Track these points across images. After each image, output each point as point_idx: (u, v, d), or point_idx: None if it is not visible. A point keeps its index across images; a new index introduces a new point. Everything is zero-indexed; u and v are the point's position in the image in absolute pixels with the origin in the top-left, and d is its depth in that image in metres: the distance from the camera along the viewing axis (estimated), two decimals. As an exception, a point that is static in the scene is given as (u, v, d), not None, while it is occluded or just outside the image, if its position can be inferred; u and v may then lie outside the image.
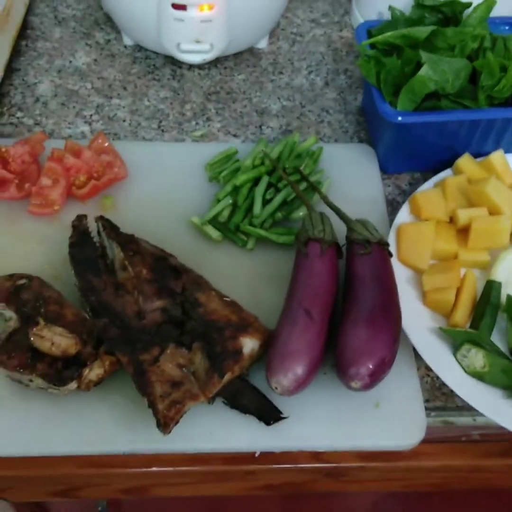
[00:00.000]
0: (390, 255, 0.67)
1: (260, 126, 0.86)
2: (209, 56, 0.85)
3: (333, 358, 0.61)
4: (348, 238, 0.68)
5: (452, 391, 0.62)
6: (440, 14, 0.79)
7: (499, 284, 0.67)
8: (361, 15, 0.94)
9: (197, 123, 0.86)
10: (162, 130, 0.84)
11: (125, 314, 0.63)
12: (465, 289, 0.67)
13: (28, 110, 0.85)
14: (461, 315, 0.66)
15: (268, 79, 0.91)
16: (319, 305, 0.62)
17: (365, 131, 0.86)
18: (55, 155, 0.75)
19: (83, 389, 0.59)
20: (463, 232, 0.71)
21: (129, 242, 0.68)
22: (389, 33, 0.75)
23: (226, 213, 0.74)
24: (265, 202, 0.74)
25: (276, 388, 0.58)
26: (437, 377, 0.64)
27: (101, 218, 0.70)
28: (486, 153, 0.76)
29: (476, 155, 0.77)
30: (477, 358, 0.63)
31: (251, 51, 0.94)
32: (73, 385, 0.59)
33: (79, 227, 0.69)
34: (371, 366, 0.58)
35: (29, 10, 0.95)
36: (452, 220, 0.73)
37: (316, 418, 0.61)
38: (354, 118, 0.87)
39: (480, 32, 0.74)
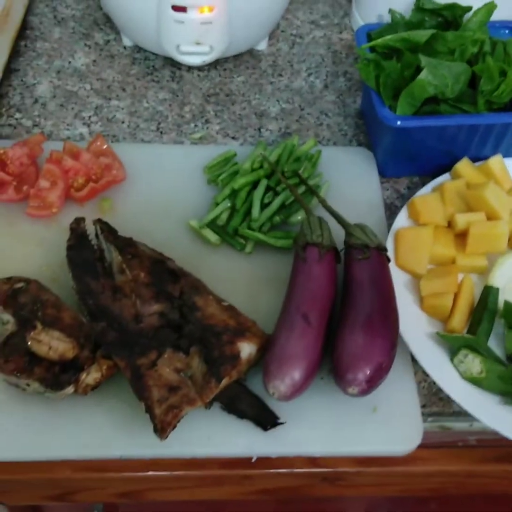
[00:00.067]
0: (388, 260, 0.67)
1: (259, 129, 0.86)
2: (208, 58, 0.85)
3: (330, 363, 0.61)
4: (346, 242, 0.68)
5: (448, 396, 0.62)
6: (440, 18, 0.79)
7: (497, 289, 0.67)
8: (361, 17, 0.94)
9: (196, 125, 0.85)
10: (161, 132, 0.84)
11: (123, 317, 0.63)
12: (463, 295, 0.67)
13: (26, 111, 0.85)
14: (459, 321, 0.66)
15: (268, 81, 0.91)
16: (317, 310, 0.62)
17: (364, 134, 0.86)
18: (53, 157, 0.75)
19: (80, 393, 0.59)
20: (461, 237, 0.71)
21: (127, 245, 0.67)
22: (388, 37, 0.75)
23: (224, 216, 0.74)
24: (264, 206, 0.74)
25: (273, 393, 0.58)
26: (434, 382, 0.64)
27: (99, 221, 0.70)
28: (485, 158, 0.76)
29: (474, 159, 0.77)
30: (474, 363, 0.63)
31: (251, 52, 0.93)
32: (70, 389, 0.59)
33: (77, 230, 0.69)
34: (368, 372, 0.58)
35: (28, 10, 0.95)
36: (450, 224, 0.73)
37: (313, 423, 0.61)
38: (353, 121, 0.87)
39: (480, 37, 0.73)
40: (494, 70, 0.71)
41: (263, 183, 0.74)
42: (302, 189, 0.75)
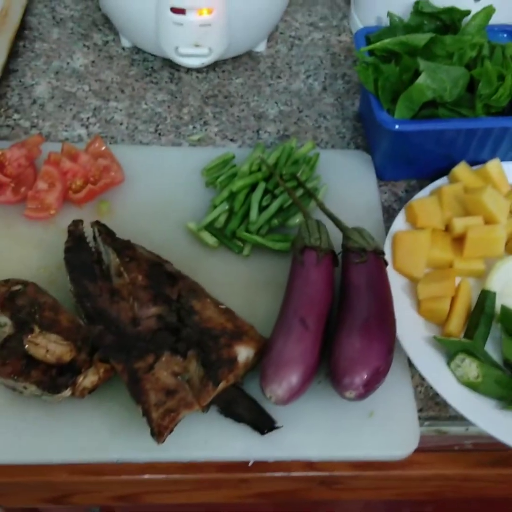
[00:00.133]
0: (386, 264, 0.67)
1: (258, 131, 0.86)
2: (207, 60, 0.85)
3: (327, 367, 0.61)
4: (344, 246, 0.68)
5: (445, 400, 0.62)
6: (438, 22, 0.79)
7: (494, 294, 0.67)
8: (359, 20, 0.94)
9: (194, 127, 0.85)
10: (159, 134, 0.84)
11: (120, 320, 0.63)
12: (460, 299, 0.68)
13: (25, 112, 0.85)
14: (456, 325, 0.66)
15: (266, 83, 0.91)
16: (315, 314, 0.62)
17: (362, 137, 0.86)
18: (51, 158, 0.75)
19: (77, 396, 0.59)
20: (459, 240, 0.71)
21: (125, 248, 0.67)
22: (387, 40, 0.75)
23: (222, 219, 0.74)
24: (262, 209, 0.74)
25: (270, 397, 0.58)
26: (431, 387, 0.64)
27: (97, 223, 0.69)
28: (483, 161, 0.76)
29: (472, 163, 0.77)
30: (471, 368, 0.63)
31: (250, 54, 0.93)
32: (67, 392, 0.59)
33: (75, 232, 0.69)
34: (365, 376, 0.58)
35: (26, 11, 0.95)
36: (447, 228, 0.73)
37: (310, 427, 0.61)
38: (351, 124, 0.87)
39: (479, 41, 0.73)
40: (492, 74, 0.71)
41: (261, 185, 0.74)
42: (300, 192, 0.75)
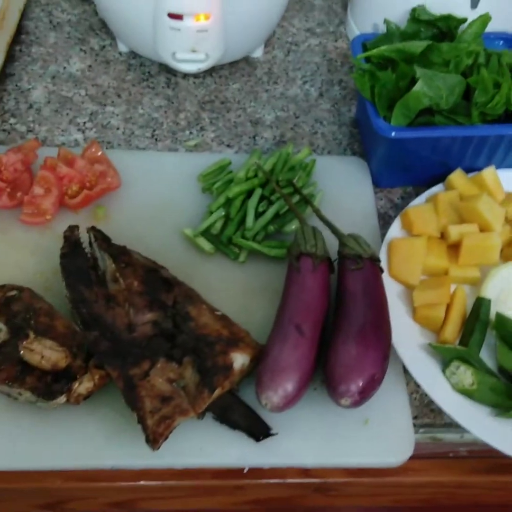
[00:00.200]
0: (382, 270, 0.67)
1: (254, 137, 0.86)
2: (204, 66, 0.85)
3: (323, 374, 0.61)
4: (340, 253, 0.68)
5: (440, 408, 0.62)
6: (435, 29, 0.79)
7: (489, 301, 0.67)
8: (356, 26, 0.94)
9: (191, 133, 0.85)
10: (156, 139, 0.84)
11: (116, 326, 0.63)
12: (455, 306, 0.68)
13: (21, 116, 0.85)
14: (451, 332, 0.67)
15: (263, 88, 0.91)
16: (310, 321, 0.62)
17: (359, 143, 0.86)
18: (48, 164, 0.74)
19: (72, 403, 0.59)
20: (454, 248, 0.71)
21: (121, 254, 0.67)
22: (384, 47, 0.75)
23: (218, 225, 0.74)
24: (258, 215, 0.74)
25: (266, 404, 0.58)
26: (426, 394, 0.64)
27: (93, 229, 0.69)
28: (479, 169, 0.77)
29: (468, 170, 0.77)
30: (466, 375, 0.63)
31: (247, 60, 0.94)
32: (62, 399, 0.59)
33: (71, 237, 0.69)
34: (361, 384, 0.58)
35: (23, 15, 0.95)
36: (443, 235, 0.73)
37: (305, 434, 0.61)
38: (348, 130, 0.87)
39: (475, 48, 0.74)
40: (488, 82, 0.71)
41: (258, 192, 0.74)
42: (296, 198, 0.75)
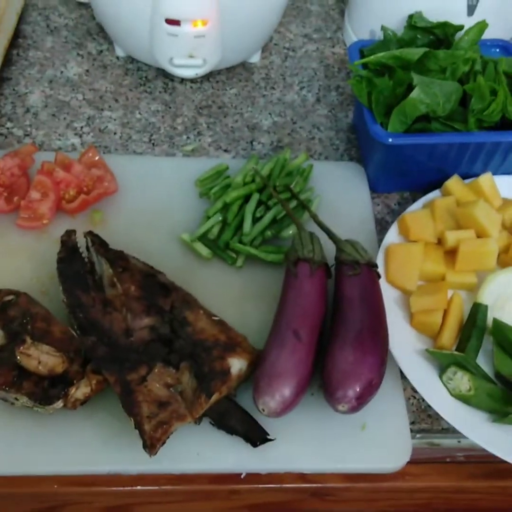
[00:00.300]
0: (379, 276, 0.67)
1: (251, 142, 0.86)
2: (201, 71, 0.85)
3: (320, 379, 0.61)
4: (337, 258, 0.68)
5: (437, 413, 0.62)
6: (432, 36, 0.80)
7: (486, 307, 0.68)
8: (353, 32, 0.95)
9: (188, 137, 0.85)
10: (153, 144, 0.84)
11: (113, 331, 0.63)
12: (452, 311, 0.68)
13: (18, 120, 0.84)
14: (448, 337, 0.67)
15: (260, 94, 0.91)
16: (308, 326, 0.62)
17: (356, 148, 0.86)
18: (45, 168, 0.74)
19: (69, 408, 0.59)
20: (451, 254, 0.72)
21: (118, 259, 0.67)
22: (381, 54, 0.75)
23: (216, 230, 0.74)
24: (255, 220, 0.74)
25: (263, 409, 0.58)
26: (423, 399, 0.64)
27: (90, 234, 0.69)
28: (475, 175, 0.77)
29: (465, 176, 0.77)
30: (463, 381, 0.63)
31: (244, 65, 0.94)
32: (59, 404, 0.58)
33: (68, 242, 0.69)
34: (358, 389, 0.58)
35: (21, 19, 0.95)
36: (440, 241, 0.73)
37: (302, 440, 0.61)
38: (345, 136, 0.88)
39: (472, 56, 0.74)
40: (485, 89, 0.72)
41: (255, 197, 0.75)
42: (293, 203, 0.76)
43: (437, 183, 0.78)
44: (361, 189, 0.81)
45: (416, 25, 0.79)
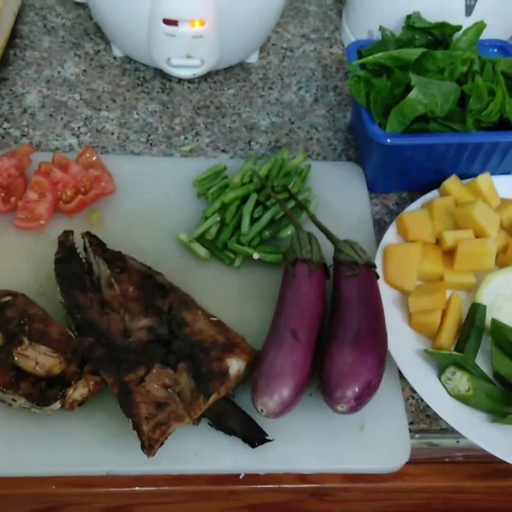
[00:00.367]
0: (377, 276, 0.67)
1: (249, 142, 0.86)
2: (199, 71, 0.85)
3: (319, 379, 0.61)
4: (335, 259, 0.68)
5: (436, 413, 0.62)
6: (430, 36, 0.80)
7: (484, 307, 0.68)
8: (351, 32, 0.95)
9: (186, 138, 0.85)
10: (151, 144, 0.84)
11: (111, 332, 0.62)
12: (451, 312, 0.68)
13: (15, 121, 0.84)
14: (446, 338, 0.67)
15: (258, 94, 0.91)
16: (306, 327, 0.62)
17: (354, 149, 0.86)
18: (42, 169, 0.74)
19: (67, 408, 0.59)
20: (449, 254, 0.72)
21: (116, 259, 0.67)
22: (379, 54, 0.75)
23: (213, 230, 0.73)
24: (253, 220, 0.74)
25: (261, 410, 0.58)
26: (422, 399, 0.64)
27: (87, 234, 0.69)
28: (473, 175, 0.77)
29: (463, 176, 0.77)
30: (461, 381, 0.63)
31: (242, 65, 0.94)
32: (57, 405, 0.58)
33: (65, 243, 0.68)
34: (357, 390, 0.58)
35: (18, 19, 0.94)
36: (438, 241, 0.73)
37: (301, 440, 0.61)
38: (343, 136, 0.88)
39: (470, 56, 0.74)
40: (483, 89, 0.72)
41: (253, 197, 0.74)
42: (291, 204, 0.75)
43: (435, 183, 0.78)
44: (359, 189, 0.81)
45: (414, 26, 0.79)
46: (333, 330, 0.63)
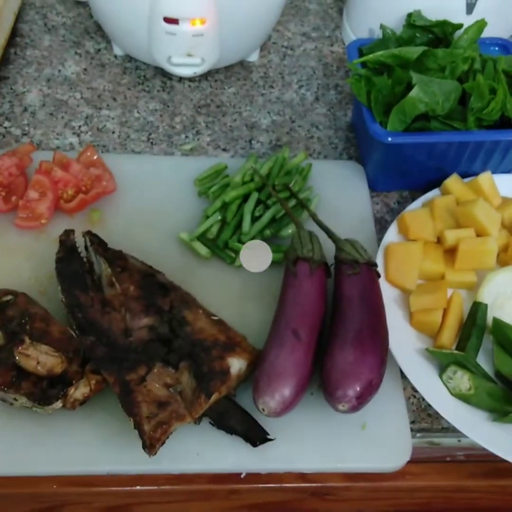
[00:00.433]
0: (378, 275, 0.67)
1: (250, 141, 0.86)
2: (200, 70, 0.85)
3: (320, 378, 0.61)
4: (336, 257, 0.68)
5: (437, 412, 0.62)
6: (431, 35, 0.80)
7: (485, 306, 0.67)
8: (352, 31, 0.95)
9: (186, 137, 0.85)
10: (152, 143, 0.84)
11: (112, 331, 0.62)
12: (452, 310, 0.68)
13: (16, 119, 0.84)
14: (448, 337, 0.67)
15: (259, 92, 0.91)
16: (307, 326, 0.62)
17: (355, 147, 0.86)
18: (43, 168, 0.74)
19: (68, 408, 0.59)
20: (451, 252, 0.72)
21: (117, 258, 0.67)
22: (380, 53, 0.75)
23: (214, 229, 0.73)
24: (254, 219, 0.74)
25: (263, 409, 0.58)
26: (423, 398, 0.64)
27: (88, 233, 0.69)
28: (474, 174, 0.77)
29: (464, 175, 0.77)
30: (463, 380, 0.63)
31: (242, 64, 0.94)
32: (58, 404, 0.58)
33: (66, 242, 0.68)
34: (358, 389, 0.58)
35: (18, 17, 0.94)
36: (439, 240, 0.73)
37: (302, 439, 0.61)
38: (344, 134, 0.87)
39: (471, 54, 0.74)
40: (484, 88, 0.72)
41: (254, 196, 0.74)
42: (292, 202, 0.75)
43: (436, 182, 0.78)
44: (360, 188, 0.81)
45: (415, 24, 0.79)
46: (334, 329, 0.63)
